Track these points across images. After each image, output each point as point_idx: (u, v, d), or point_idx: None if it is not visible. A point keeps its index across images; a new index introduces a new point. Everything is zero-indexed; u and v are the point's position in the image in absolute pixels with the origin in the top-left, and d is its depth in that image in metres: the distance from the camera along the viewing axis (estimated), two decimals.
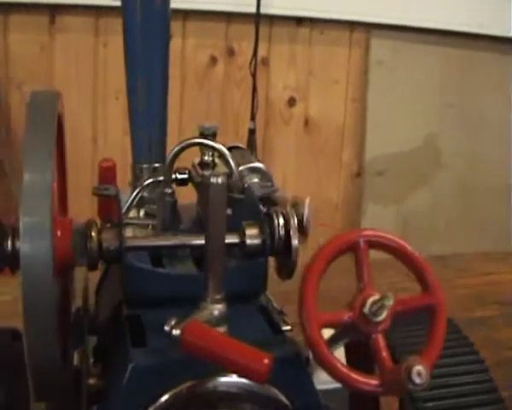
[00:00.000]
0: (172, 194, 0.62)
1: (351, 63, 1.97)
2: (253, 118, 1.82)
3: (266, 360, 0.39)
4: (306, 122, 1.98)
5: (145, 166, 0.71)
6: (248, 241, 0.53)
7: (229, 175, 0.58)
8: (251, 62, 1.77)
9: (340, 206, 2.10)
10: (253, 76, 1.78)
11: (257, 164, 0.63)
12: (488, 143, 2.11)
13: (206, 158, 0.66)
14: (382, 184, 2.06)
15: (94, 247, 0.50)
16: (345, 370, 0.38)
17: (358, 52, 1.97)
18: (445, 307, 0.36)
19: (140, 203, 0.67)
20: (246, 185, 0.58)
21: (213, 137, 0.65)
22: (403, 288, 0.73)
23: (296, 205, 0.52)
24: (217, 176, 0.44)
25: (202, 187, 0.65)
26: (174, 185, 0.64)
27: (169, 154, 0.61)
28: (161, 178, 0.64)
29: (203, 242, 0.49)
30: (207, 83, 1.81)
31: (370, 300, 0.38)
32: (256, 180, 0.60)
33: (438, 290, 0.37)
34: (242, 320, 0.50)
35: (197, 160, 0.68)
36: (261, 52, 1.80)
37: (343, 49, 1.95)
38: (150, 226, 0.62)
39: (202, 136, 0.65)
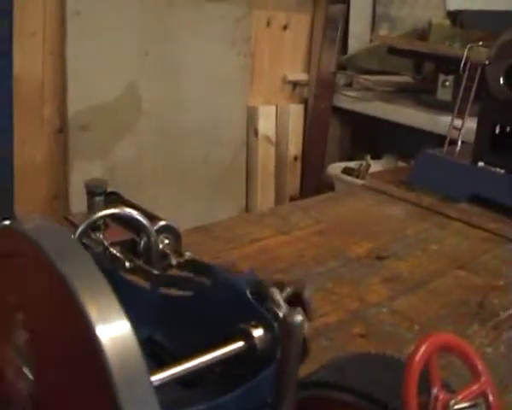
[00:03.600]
0: None
1: (47, 14, 1.92)
2: None
3: None
4: None
5: None
6: (259, 345, 0.47)
7: (148, 244, 0.57)
8: None
9: (45, 165, 2.07)
10: None
11: (163, 222, 0.61)
12: (186, 88, 2.24)
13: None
14: (87, 138, 2.08)
15: None
16: None
17: (54, 2, 1.92)
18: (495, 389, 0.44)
19: None
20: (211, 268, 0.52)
21: (105, 194, 0.63)
22: None
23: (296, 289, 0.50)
24: (294, 314, 0.39)
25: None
26: None
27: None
28: None
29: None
30: None
31: (458, 406, 0.40)
32: (167, 241, 0.60)
33: (487, 376, 0.44)
34: None
35: None
36: None
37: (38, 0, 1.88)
38: None
39: (92, 195, 0.62)
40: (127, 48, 2.10)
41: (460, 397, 0.40)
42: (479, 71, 1.35)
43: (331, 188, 2.36)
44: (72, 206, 2.05)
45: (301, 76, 2.59)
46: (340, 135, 2.72)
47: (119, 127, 2.15)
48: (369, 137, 2.67)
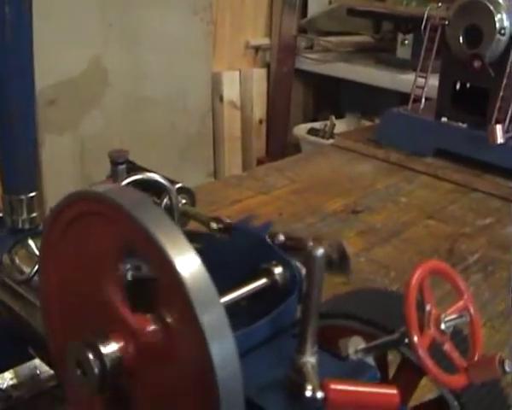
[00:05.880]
0: None
1: None
2: None
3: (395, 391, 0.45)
4: None
5: (23, 196, 0.69)
6: (280, 281, 0.56)
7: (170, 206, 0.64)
8: None
9: None
10: None
11: (180, 184, 0.66)
12: (150, 58, 2.29)
13: None
14: (56, 113, 2.12)
15: None
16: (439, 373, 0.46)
17: None
18: (477, 306, 0.50)
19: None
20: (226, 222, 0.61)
21: (126, 163, 0.68)
22: None
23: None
24: (316, 248, 0.45)
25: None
26: None
27: None
28: None
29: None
30: None
31: (447, 318, 0.48)
32: (184, 201, 0.67)
33: (469, 294, 0.51)
34: None
35: None
36: None
37: None
38: None
39: (115, 164, 0.67)
40: (91, 20, 2.14)
41: (449, 311, 0.48)
42: (439, 31, 1.43)
43: (297, 149, 2.44)
44: (45, 178, 2.10)
45: (263, 41, 2.65)
46: (303, 97, 2.80)
47: (86, 100, 2.19)
48: (331, 97, 2.75)
